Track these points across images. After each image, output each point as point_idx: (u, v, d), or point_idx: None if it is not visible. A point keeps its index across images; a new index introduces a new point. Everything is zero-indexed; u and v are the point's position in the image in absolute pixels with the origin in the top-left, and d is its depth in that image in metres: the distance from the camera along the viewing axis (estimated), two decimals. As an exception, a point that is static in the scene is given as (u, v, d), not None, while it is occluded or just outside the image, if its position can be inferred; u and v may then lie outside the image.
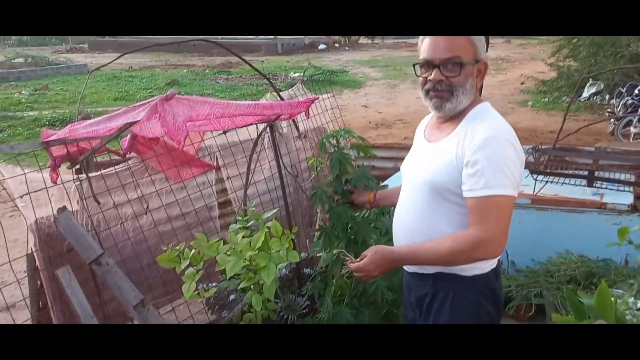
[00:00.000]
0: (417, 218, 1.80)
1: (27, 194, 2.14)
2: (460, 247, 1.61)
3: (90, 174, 2.52)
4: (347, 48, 30.22)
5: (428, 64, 1.70)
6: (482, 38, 1.70)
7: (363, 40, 31.44)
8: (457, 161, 1.64)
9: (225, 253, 2.38)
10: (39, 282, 2.33)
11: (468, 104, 1.72)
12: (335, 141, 2.46)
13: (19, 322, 2.29)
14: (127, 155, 2.64)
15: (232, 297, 2.93)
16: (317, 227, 2.60)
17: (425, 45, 1.71)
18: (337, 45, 30.86)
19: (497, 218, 1.57)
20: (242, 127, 2.84)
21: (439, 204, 1.72)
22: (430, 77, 1.69)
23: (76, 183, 2.40)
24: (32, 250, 2.28)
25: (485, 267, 1.74)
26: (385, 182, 3.11)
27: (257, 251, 2.30)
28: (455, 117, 1.74)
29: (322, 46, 29.89)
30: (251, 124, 2.81)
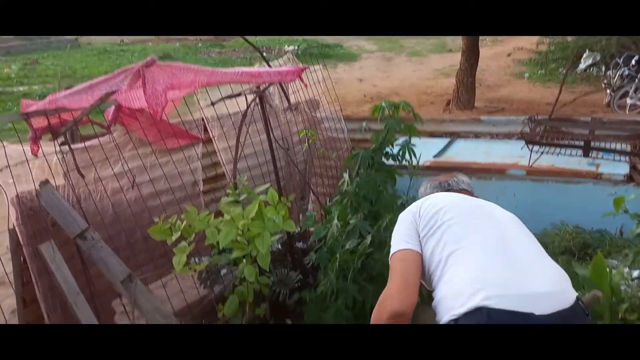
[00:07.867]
0: None
1: (6, 167, 2.06)
2: (376, 308, 1.66)
3: (74, 146, 2.44)
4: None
5: None
6: None
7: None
8: None
9: (217, 227, 2.33)
10: (22, 258, 2.28)
11: None
12: (393, 109, 2.46)
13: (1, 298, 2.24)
14: (112, 128, 2.56)
15: (223, 271, 2.88)
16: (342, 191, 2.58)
17: None
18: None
19: (392, 275, 1.67)
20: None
21: None
22: None
23: (59, 156, 2.33)
24: (14, 225, 2.22)
25: (454, 313, 1.52)
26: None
27: (250, 220, 2.24)
28: None
29: (316, 19, 29.50)
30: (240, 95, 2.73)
